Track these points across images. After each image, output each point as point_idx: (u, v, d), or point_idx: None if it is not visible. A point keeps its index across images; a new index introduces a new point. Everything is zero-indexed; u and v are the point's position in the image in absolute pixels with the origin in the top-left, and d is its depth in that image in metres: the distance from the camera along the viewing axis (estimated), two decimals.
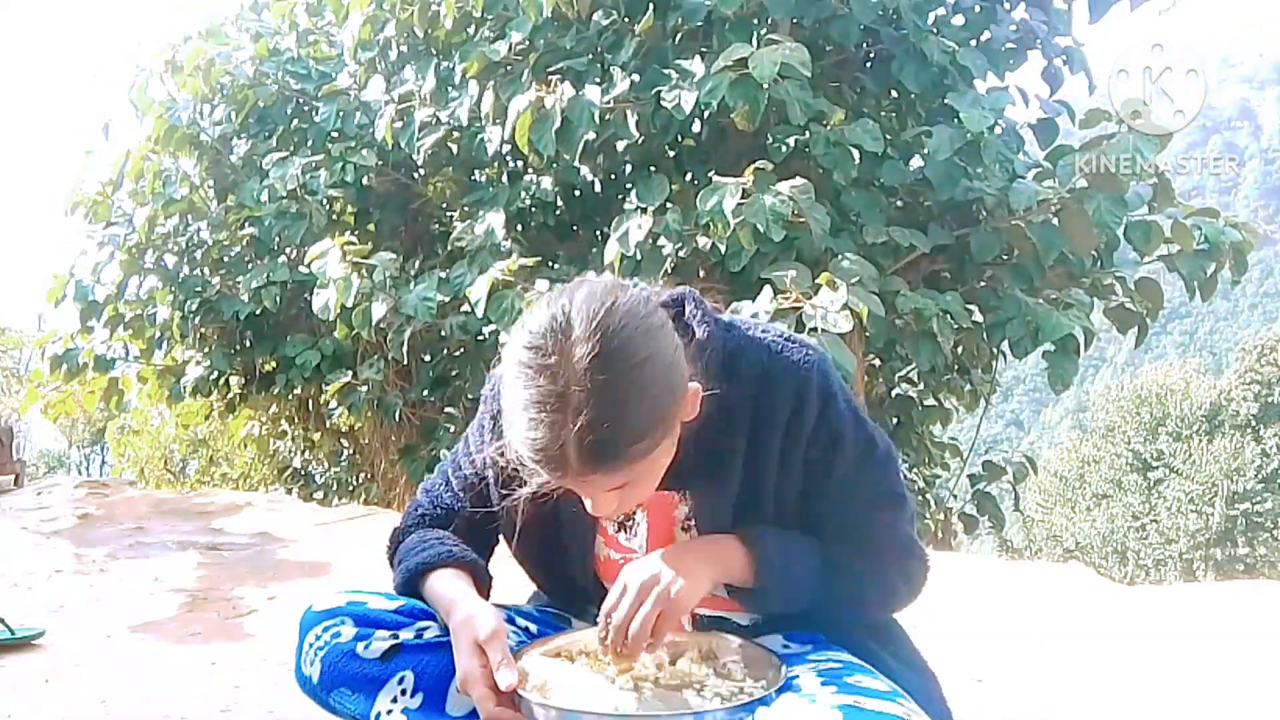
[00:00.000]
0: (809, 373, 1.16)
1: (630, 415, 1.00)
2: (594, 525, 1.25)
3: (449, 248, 5.15)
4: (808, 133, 4.17)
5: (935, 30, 4.51)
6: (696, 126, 4.73)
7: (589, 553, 1.26)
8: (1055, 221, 4.16)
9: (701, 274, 4.25)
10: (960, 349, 4.96)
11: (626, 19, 4.57)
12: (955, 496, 6.01)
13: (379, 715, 1.14)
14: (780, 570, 1.15)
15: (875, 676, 1.10)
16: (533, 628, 1.26)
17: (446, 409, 5.58)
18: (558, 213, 5.13)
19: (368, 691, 1.14)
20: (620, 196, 4.71)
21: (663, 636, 1.10)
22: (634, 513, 1.23)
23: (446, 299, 4.73)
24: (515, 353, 1.03)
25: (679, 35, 4.63)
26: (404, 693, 1.14)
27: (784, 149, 4.22)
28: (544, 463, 1.01)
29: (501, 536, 1.32)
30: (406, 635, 1.16)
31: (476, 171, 5.57)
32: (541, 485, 1.07)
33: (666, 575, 1.10)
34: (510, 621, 1.25)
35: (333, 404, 5.55)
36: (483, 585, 1.21)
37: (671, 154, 4.95)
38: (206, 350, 6.13)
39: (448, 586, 1.17)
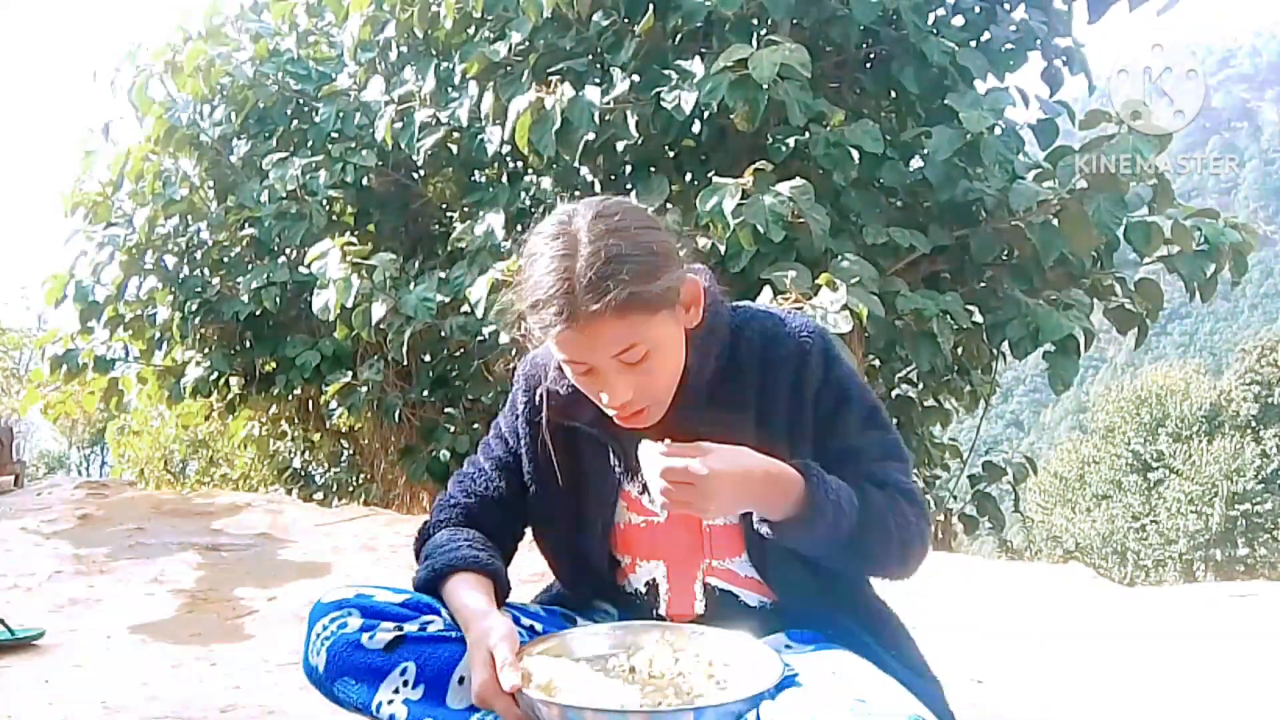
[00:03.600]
0: (813, 335, 1.25)
1: (632, 258, 1.11)
2: (618, 488, 1.28)
3: (449, 248, 5.15)
4: (807, 133, 4.17)
5: (935, 31, 4.51)
6: (696, 127, 4.73)
7: (610, 522, 1.29)
8: (1055, 222, 4.16)
9: None
10: (960, 350, 4.96)
11: (626, 20, 4.57)
12: (955, 497, 6.01)
13: (380, 705, 1.16)
14: (832, 499, 1.15)
15: (878, 673, 1.10)
16: (538, 627, 1.28)
17: (446, 410, 5.58)
18: None
19: (370, 681, 1.16)
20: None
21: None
22: None
23: (446, 300, 4.73)
24: (531, 238, 1.18)
25: (679, 36, 4.63)
26: (406, 684, 1.16)
27: (784, 150, 4.22)
28: (555, 303, 1.10)
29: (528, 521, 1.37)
30: (411, 627, 1.18)
31: (476, 172, 5.58)
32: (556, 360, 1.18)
33: (729, 449, 1.11)
34: (515, 621, 1.25)
35: (333, 405, 5.55)
36: (502, 592, 1.24)
37: (671, 154, 4.95)
38: (206, 351, 6.13)
39: (466, 596, 1.19)
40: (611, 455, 1.29)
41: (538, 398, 1.31)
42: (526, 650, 1.15)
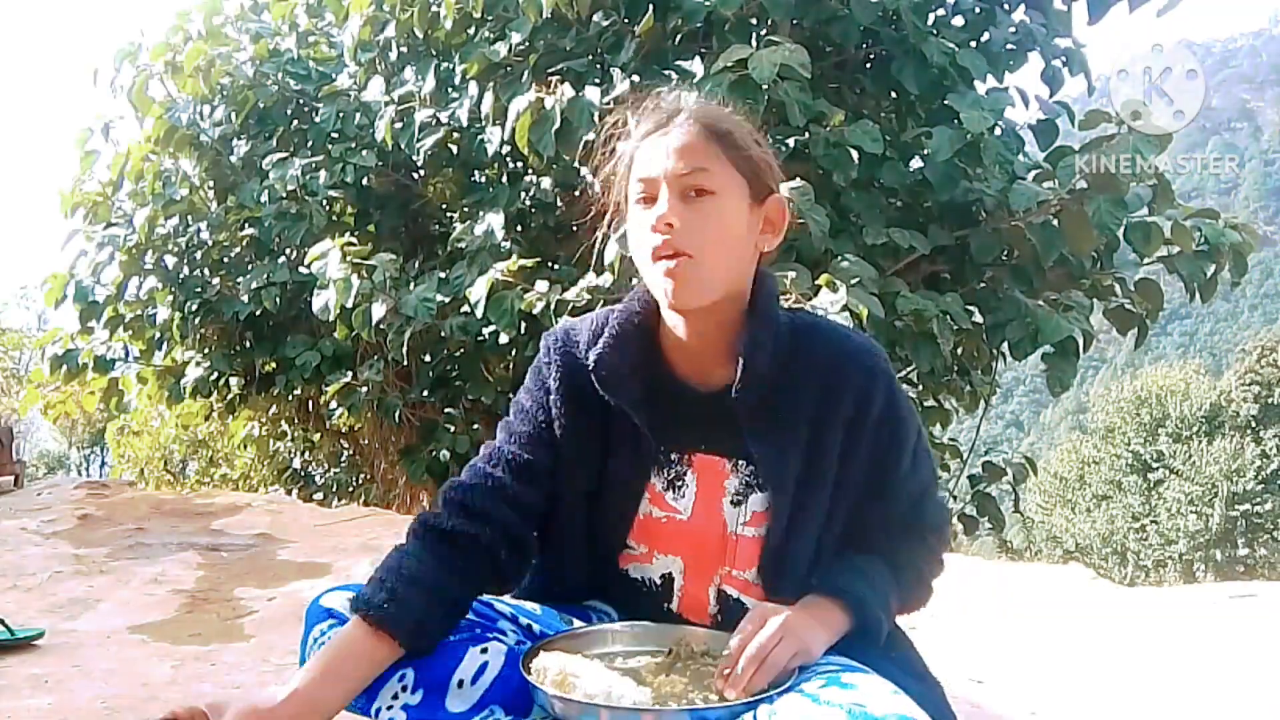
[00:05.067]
0: (879, 360, 1.23)
1: (739, 124, 1.24)
2: (644, 477, 1.26)
3: (449, 248, 5.15)
4: (807, 134, 4.17)
5: (935, 31, 4.50)
6: None
7: (631, 513, 1.27)
8: (1055, 223, 4.16)
9: None
10: (960, 350, 4.95)
11: (626, 20, 4.57)
12: (955, 498, 6.00)
13: (379, 711, 1.15)
14: (880, 617, 1.20)
15: (877, 677, 1.10)
16: (535, 627, 1.27)
17: (446, 410, 5.58)
18: (558, 213, 5.13)
19: (369, 688, 1.14)
20: None
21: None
22: (685, 474, 1.25)
23: (446, 300, 4.72)
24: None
25: (679, 36, 4.63)
26: (404, 689, 1.15)
27: (783, 150, 4.22)
28: (660, 116, 1.23)
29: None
30: None
31: (476, 172, 5.57)
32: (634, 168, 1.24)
33: (801, 625, 1.12)
34: (513, 620, 1.25)
35: (333, 405, 5.55)
36: (404, 642, 1.13)
37: None
38: (206, 351, 6.13)
39: (324, 655, 1.11)
40: (644, 443, 1.25)
41: (579, 366, 1.26)
42: (544, 647, 1.16)
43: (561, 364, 1.29)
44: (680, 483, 1.26)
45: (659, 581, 1.28)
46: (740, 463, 1.24)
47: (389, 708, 1.14)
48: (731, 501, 1.24)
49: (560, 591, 1.35)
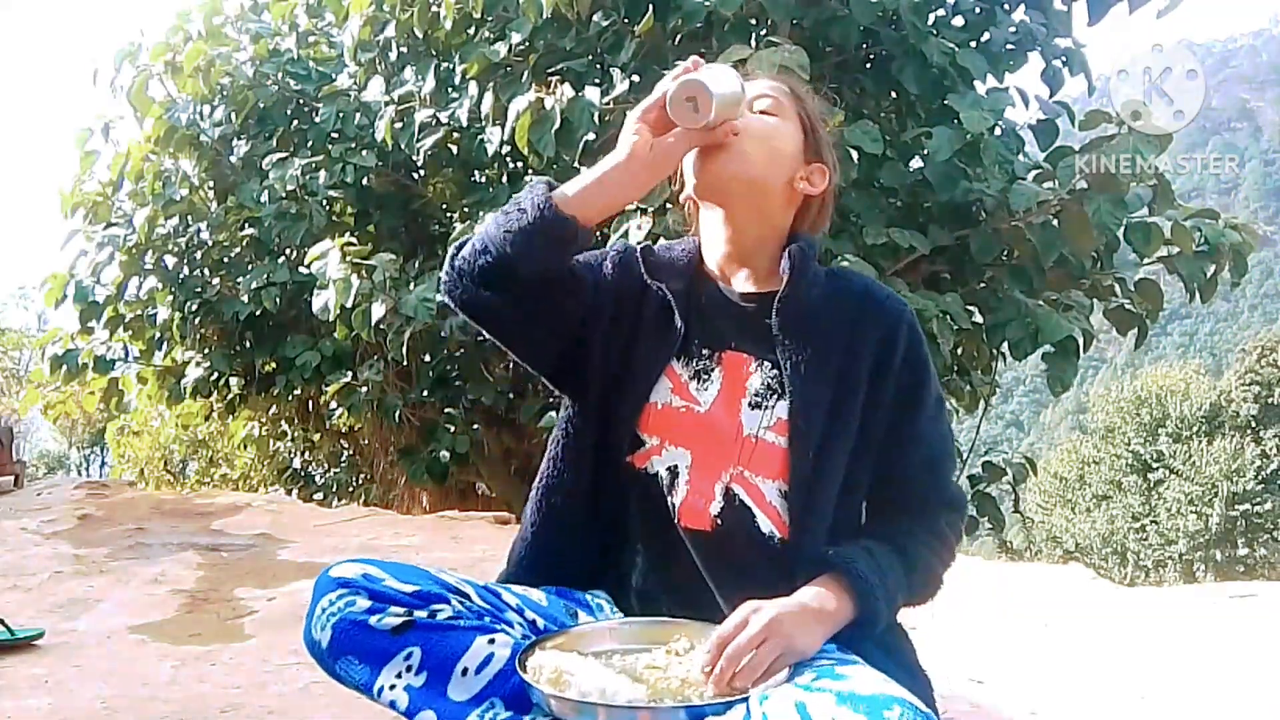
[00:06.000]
0: (905, 309, 1.31)
1: (814, 99, 1.40)
2: (669, 360, 1.29)
3: (449, 248, 5.15)
4: None
5: (935, 32, 4.50)
6: None
7: (646, 396, 1.28)
8: (1055, 223, 4.16)
9: None
10: (960, 350, 4.96)
11: (626, 20, 4.57)
12: None
13: (382, 690, 1.15)
14: (881, 610, 1.19)
15: (868, 668, 1.11)
16: (540, 622, 1.27)
17: (446, 410, 5.58)
18: None
19: (374, 663, 1.15)
20: None
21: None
22: (713, 369, 1.29)
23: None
24: None
25: (679, 36, 4.62)
26: (409, 669, 1.15)
27: None
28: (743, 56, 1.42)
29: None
30: (420, 614, 1.17)
31: (476, 172, 5.57)
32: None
33: (790, 622, 1.11)
34: (519, 613, 1.25)
35: (333, 405, 5.56)
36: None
37: None
38: (206, 351, 6.13)
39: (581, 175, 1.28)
40: (677, 323, 1.30)
41: (636, 254, 1.38)
42: (540, 645, 1.16)
43: (621, 250, 1.40)
44: (706, 376, 1.28)
45: (665, 476, 1.26)
46: (765, 363, 1.28)
47: (392, 687, 1.14)
48: (751, 403, 1.26)
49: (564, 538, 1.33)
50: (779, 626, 1.09)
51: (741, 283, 1.34)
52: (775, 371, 1.26)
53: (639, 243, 1.43)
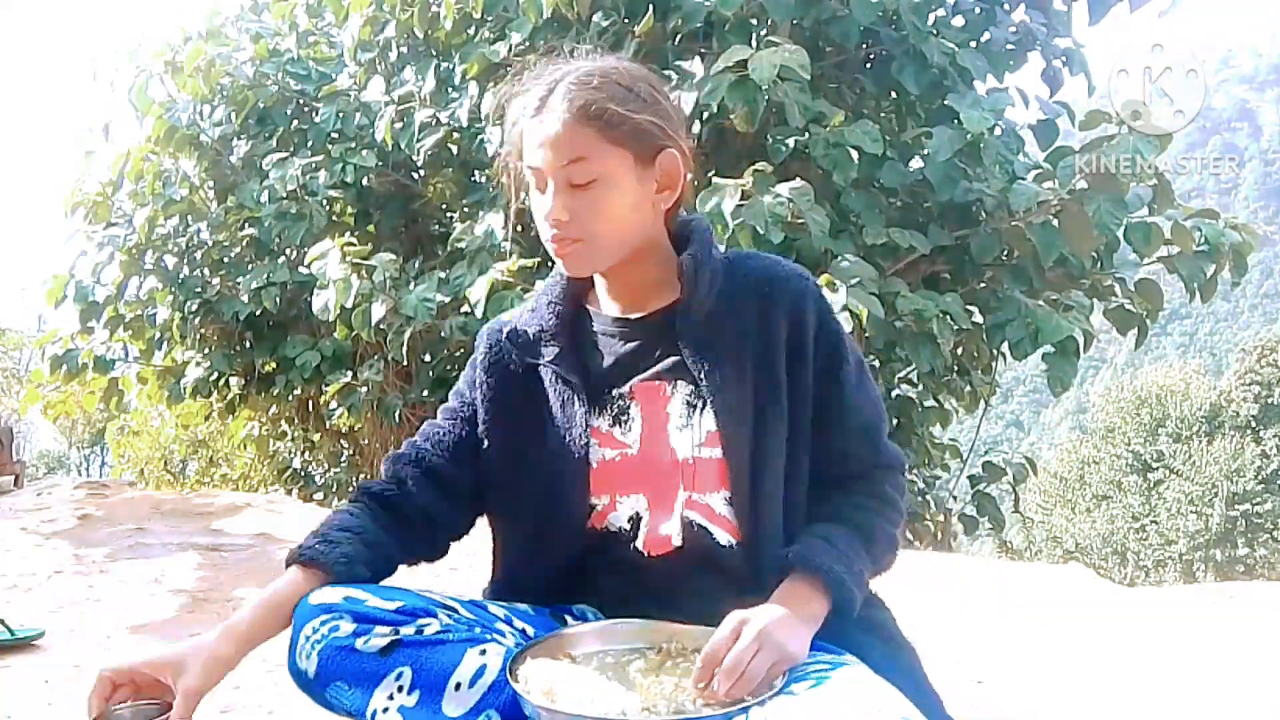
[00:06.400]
0: (808, 282, 1.27)
1: (617, 86, 1.19)
2: (588, 424, 1.25)
3: (449, 248, 5.15)
4: (807, 134, 4.17)
5: (935, 32, 4.51)
6: (696, 128, 4.73)
7: (584, 466, 1.24)
8: (1055, 223, 4.16)
9: None
10: (960, 350, 4.96)
11: (626, 20, 4.58)
12: (955, 498, 6.01)
13: (375, 713, 1.13)
14: (855, 595, 1.18)
15: (862, 670, 1.11)
16: (530, 630, 1.25)
17: None
18: None
19: (364, 686, 1.13)
20: None
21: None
22: (628, 406, 1.25)
23: (446, 300, 4.73)
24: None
25: (679, 37, 4.63)
26: (401, 689, 1.13)
27: (783, 150, 4.22)
28: (534, 97, 1.19)
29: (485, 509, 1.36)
30: (407, 631, 1.15)
31: (476, 172, 5.58)
32: (513, 154, 1.24)
33: (779, 631, 1.09)
34: (508, 623, 1.24)
35: (333, 405, 5.55)
36: (327, 572, 1.21)
37: None
38: (206, 351, 6.14)
39: (259, 595, 1.21)
40: (576, 395, 1.26)
41: (502, 341, 1.33)
42: (530, 652, 1.14)
43: (488, 343, 1.36)
44: (625, 416, 1.25)
45: (628, 526, 1.25)
46: (679, 383, 1.24)
47: (385, 709, 1.12)
48: (678, 426, 1.23)
49: (543, 587, 1.32)
50: (770, 635, 1.08)
51: (633, 305, 1.30)
52: (692, 386, 1.24)
53: (491, 324, 1.40)
